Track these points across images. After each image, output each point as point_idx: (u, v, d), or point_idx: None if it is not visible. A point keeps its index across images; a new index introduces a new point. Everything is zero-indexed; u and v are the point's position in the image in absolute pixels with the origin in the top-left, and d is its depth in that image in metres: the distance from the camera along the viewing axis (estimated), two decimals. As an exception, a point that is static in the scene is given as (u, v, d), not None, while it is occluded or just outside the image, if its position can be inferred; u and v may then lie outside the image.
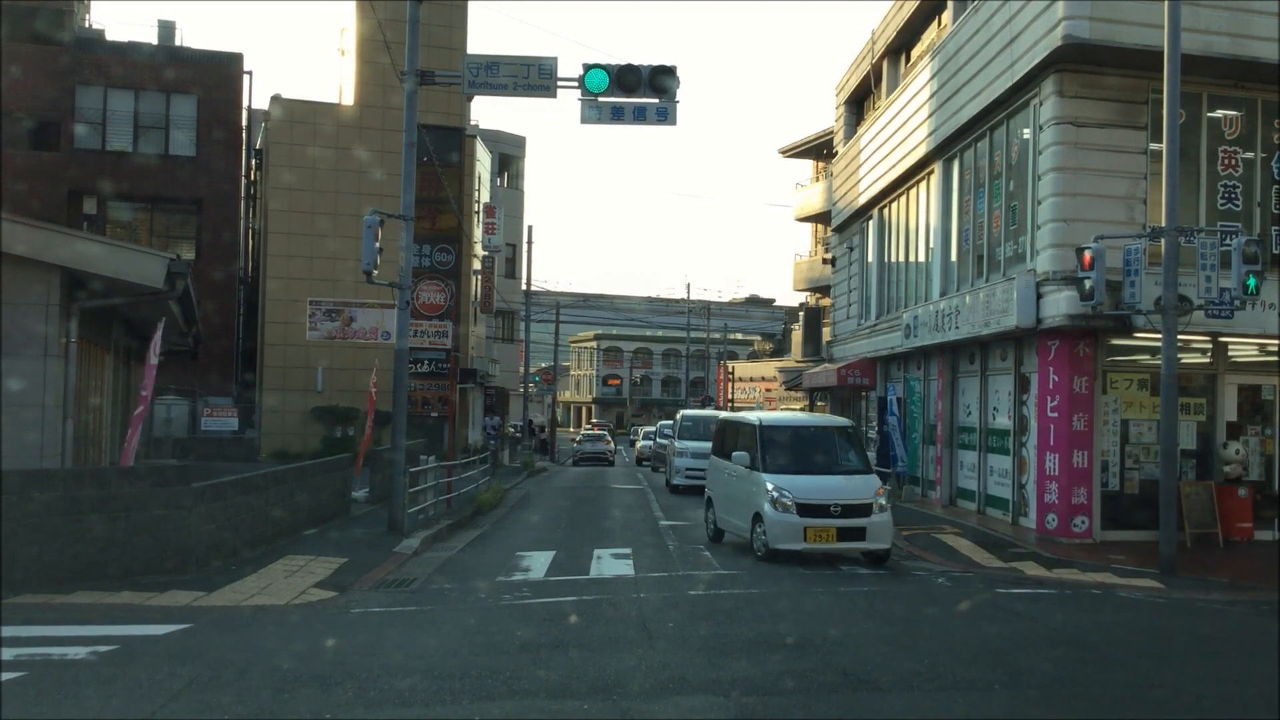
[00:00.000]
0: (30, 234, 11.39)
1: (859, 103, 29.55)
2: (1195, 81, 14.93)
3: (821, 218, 36.33)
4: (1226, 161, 16.00)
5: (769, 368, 57.12)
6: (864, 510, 13.17)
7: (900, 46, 25.45)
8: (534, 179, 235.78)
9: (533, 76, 15.20)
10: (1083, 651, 8.49)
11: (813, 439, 14.51)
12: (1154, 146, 15.26)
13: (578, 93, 15.13)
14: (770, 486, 13.21)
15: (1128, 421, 16.06)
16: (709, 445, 20.88)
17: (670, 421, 33.12)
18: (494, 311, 39.51)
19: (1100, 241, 13.77)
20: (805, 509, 13.04)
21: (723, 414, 19.55)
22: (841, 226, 28.94)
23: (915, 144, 21.57)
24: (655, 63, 15.12)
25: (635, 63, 15.04)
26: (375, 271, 14.39)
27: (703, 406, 53.35)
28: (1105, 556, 14.08)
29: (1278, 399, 16.66)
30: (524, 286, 43.65)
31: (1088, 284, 13.73)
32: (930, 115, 20.59)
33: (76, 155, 28.92)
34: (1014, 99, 17.09)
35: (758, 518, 13.44)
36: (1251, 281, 13.26)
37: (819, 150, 37.70)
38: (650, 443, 39.58)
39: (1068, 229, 15.39)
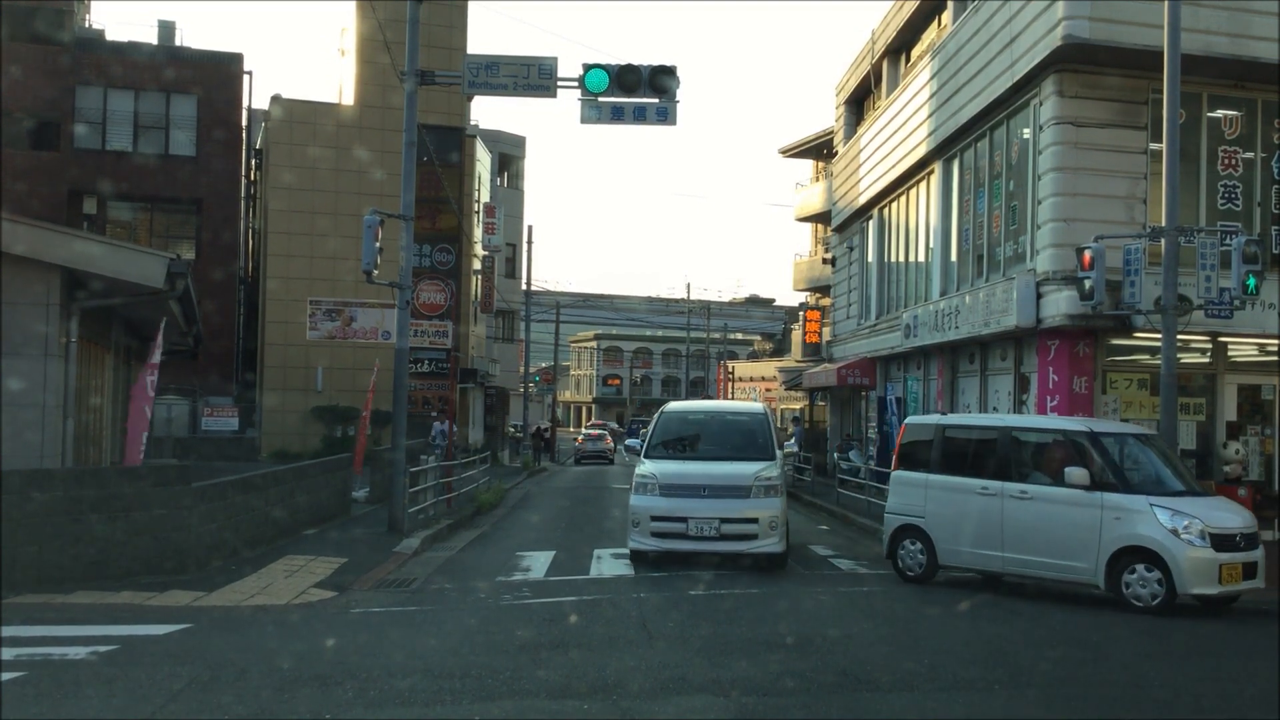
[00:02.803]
0: (30, 234, 11.39)
1: (859, 103, 29.55)
2: (1195, 81, 14.92)
3: (821, 218, 36.32)
4: (1226, 161, 16.00)
5: (769, 367, 57.06)
6: (1254, 540, 10.41)
7: (900, 46, 25.45)
8: (534, 179, 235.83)
9: (533, 76, 15.20)
10: (1083, 651, 8.50)
11: (1144, 450, 11.41)
12: (1154, 146, 15.25)
13: (578, 93, 15.12)
14: (1165, 515, 10.11)
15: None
16: (736, 469, 12.83)
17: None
18: (494, 311, 39.52)
19: (1100, 241, 13.77)
20: (1219, 541, 10.06)
21: (929, 417, 13.80)
22: (841, 226, 28.94)
23: (915, 144, 21.57)
24: (655, 63, 15.13)
25: (635, 63, 15.05)
26: (375, 271, 14.39)
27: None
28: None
29: (1278, 399, 16.65)
30: (524, 286, 43.66)
31: (1088, 284, 13.72)
32: (930, 115, 20.58)
33: (76, 155, 28.92)
34: (1014, 99, 17.08)
35: (1132, 555, 10.18)
36: (1251, 281, 13.25)
37: (819, 150, 37.70)
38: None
39: (1068, 229, 15.39)
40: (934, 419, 13.38)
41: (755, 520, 12.39)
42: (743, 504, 12.48)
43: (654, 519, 12.49)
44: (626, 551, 13.75)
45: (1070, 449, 11.03)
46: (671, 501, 12.51)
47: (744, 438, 13.93)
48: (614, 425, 70.19)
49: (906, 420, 13.94)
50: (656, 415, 14.82)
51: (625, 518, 13.78)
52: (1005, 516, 11.14)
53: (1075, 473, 10.60)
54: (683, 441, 14.14)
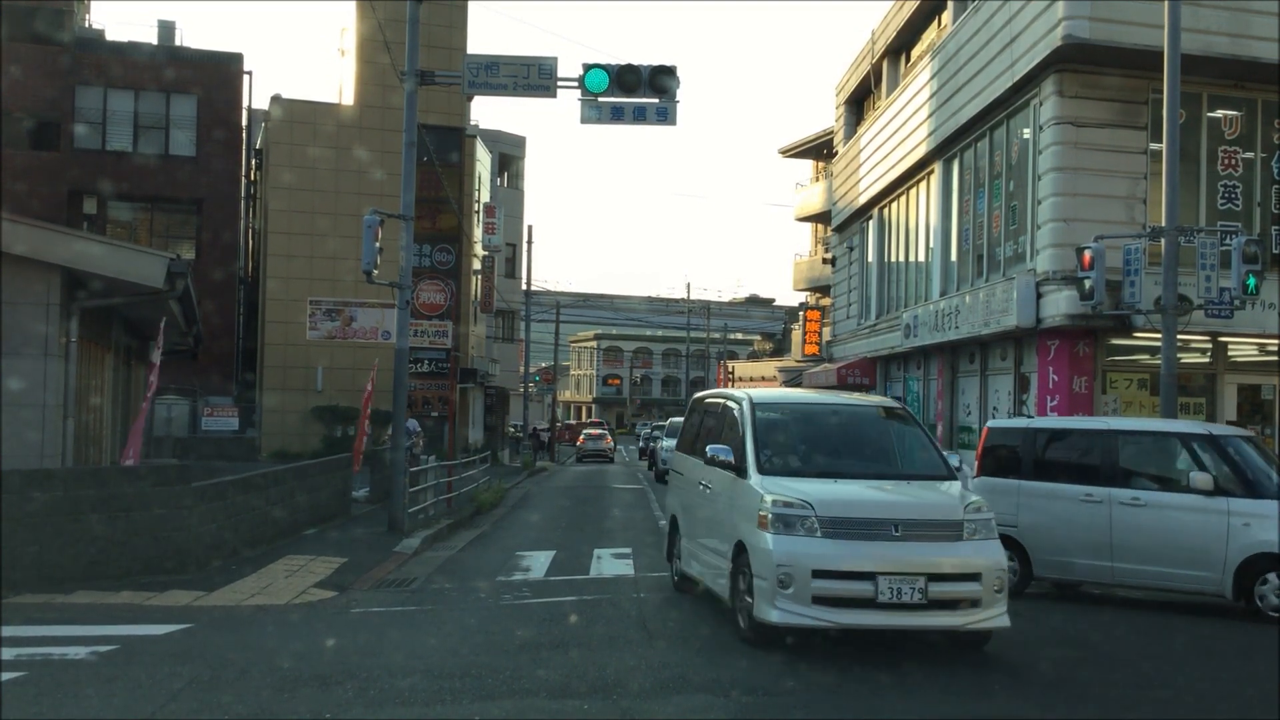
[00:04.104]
0: (30, 234, 11.39)
1: (859, 103, 29.56)
2: (1195, 81, 14.94)
3: (821, 218, 36.35)
4: (1226, 161, 16.02)
5: (769, 367, 57.08)
6: None
7: (900, 46, 25.46)
8: (534, 179, 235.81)
9: (533, 76, 15.20)
10: (1083, 651, 8.50)
11: (1255, 452, 10.53)
12: (1154, 146, 15.27)
13: (578, 93, 15.12)
14: None
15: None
16: (929, 496, 8.23)
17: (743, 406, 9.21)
18: (494, 311, 39.53)
19: (1100, 241, 13.78)
20: None
21: (1016, 420, 12.86)
22: (841, 226, 28.95)
23: (915, 144, 21.58)
24: (655, 63, 15.12)
25: (635, 63, 15.04)
26: (375, 271, 14.39)
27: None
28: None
29: (1277, 399, 16.67)
30: (524, 286, 43.67)
31: (1088, 284, 13.74)
32: (930, 115, 20.59)
33: (76, 155, 28.91)
34: (1014, 99, 17.10)
35: (1265, 563, 9.60)
36: (1251, 281, 13.27)
37: (819, 150, 37.72)
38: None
39: (1068, 229, 15.41)
40: (1022, 422, 12.32)
41: (977, 577, 7.60)
42: (956, 550, 7.67)
43: (817, 575, 7.45)
44: (627, 551, 13.69)
45: (1189, 453, 10.32)
46: (844, 547, 7.52)
47: (899, 445, 9.19)
48: (667, 423, 61.82)
49: (989, 424, 12.80)
50: (744, 407, 9.03)
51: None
52: (1115, 525, 10.32)
53: (1200, 478, 9.86)
54: (811, 451, 8.93)
